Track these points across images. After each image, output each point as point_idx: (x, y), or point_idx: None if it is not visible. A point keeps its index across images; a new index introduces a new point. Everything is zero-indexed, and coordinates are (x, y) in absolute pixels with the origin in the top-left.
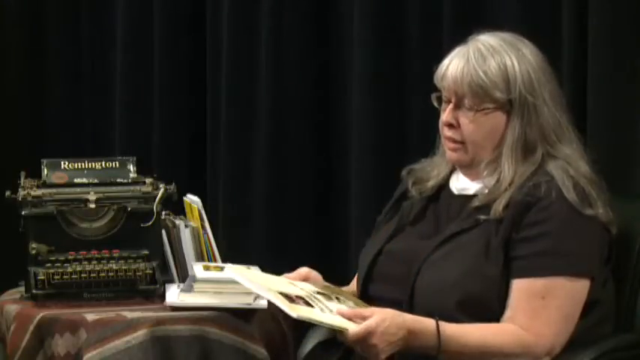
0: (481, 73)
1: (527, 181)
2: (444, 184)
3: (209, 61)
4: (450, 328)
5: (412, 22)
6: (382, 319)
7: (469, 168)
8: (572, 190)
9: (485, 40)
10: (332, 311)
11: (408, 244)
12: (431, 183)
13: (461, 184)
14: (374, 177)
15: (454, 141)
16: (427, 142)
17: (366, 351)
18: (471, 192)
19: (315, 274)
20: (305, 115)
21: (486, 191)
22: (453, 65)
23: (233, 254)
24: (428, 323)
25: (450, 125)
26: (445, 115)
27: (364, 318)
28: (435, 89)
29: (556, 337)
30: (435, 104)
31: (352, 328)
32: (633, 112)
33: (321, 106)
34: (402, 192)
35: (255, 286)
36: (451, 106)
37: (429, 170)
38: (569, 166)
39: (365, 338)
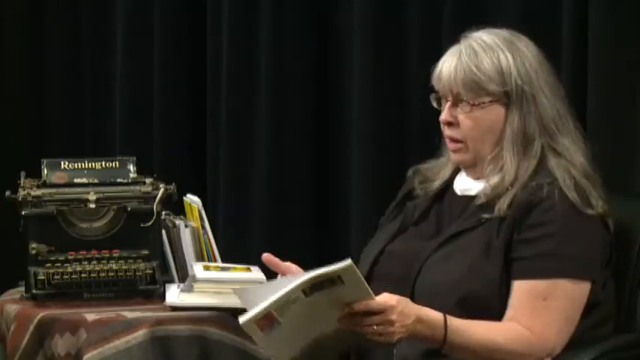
0: (474, 68)
1: (531, 180)
2: (449, 185)
3: (209, 61)
4: (457, 322)
5: (412, 22)
6: (399, 300)
7: (472, 167)
8: (574, 190)
9: (478, 36)
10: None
11: (410, 244)
12: (436, 183)
13: (464, 184)
14: (374, 178)
15: (455, 140)
16: (428, 142)
17: (384, 324)
18: (473, 192)
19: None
20: (306, 115)
21: (489, 190)
22: (447, 64)
23: (233, 254)
24: (435, 314)
25: (449, 124)
26: (443, 114)
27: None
28: (434, 90)
29: (557, 338)
30: (435, 105)
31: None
32: (633, 112)
33: (322, 107)
34: (407, 192)
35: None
36: (448, 104)
37: (436, 171)
38: (570, 165)
39: (387, 311)
